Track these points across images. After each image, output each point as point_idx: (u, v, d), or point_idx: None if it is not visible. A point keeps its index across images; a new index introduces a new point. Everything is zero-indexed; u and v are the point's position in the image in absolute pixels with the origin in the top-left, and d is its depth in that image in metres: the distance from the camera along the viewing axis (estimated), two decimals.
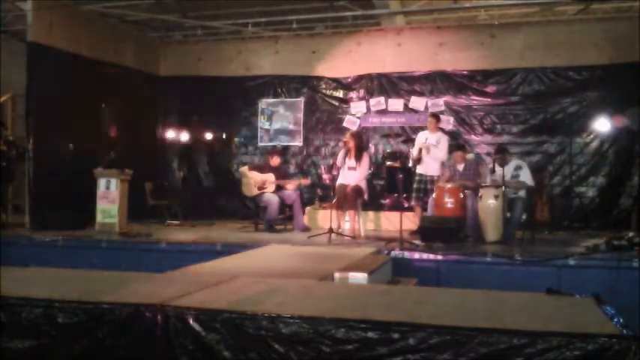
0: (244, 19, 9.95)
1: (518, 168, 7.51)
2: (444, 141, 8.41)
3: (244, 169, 8.84)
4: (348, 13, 9.57)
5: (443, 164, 8.18)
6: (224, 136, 11.19)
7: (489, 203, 7.07)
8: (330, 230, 7.36)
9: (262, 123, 11.16)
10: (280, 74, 11.06)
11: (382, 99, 10.46)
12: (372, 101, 10.52)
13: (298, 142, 10.98)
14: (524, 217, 7.46)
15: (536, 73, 9.80)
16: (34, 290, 3.34)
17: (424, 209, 8.13)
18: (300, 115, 10.98)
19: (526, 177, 7.44)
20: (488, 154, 9.69)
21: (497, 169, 7.21)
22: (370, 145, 10.49)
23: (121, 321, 2.93)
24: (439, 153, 8.25)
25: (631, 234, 6.59)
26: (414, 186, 8.35)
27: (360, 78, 10.68)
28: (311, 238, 7.50)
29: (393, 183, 8.77)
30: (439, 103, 10.18)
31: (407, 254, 6.33)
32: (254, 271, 4.45)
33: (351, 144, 8.01)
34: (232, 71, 11.27)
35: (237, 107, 11.25)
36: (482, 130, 10.01)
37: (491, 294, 3.66)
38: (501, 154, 7.49)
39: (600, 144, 9.52)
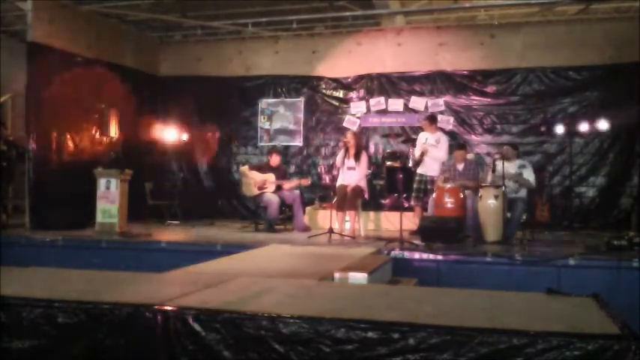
0: (244, 19, 9.94)
1: (522, 167, 7.51)
2: (444, 141, 8.40)
3: (244, 169, 8.84)
4: (348, 13, 9.57)
5: (443, 164, 8.18)
6: (224, 136, 11.19)
7: (489, 203, 7.07)
8: (330, 230, 7.36)
9: (262, 123, 11.16)
10: (280, 74, 11.06)
11: (382, 99, 10.46)
12: (372, 101, 10.52)
13: (298, 142, 10.98)
14: (524, 217, 7.46)
15: (536, 73, 9.81)
16: (34, 290, 3.34)
17: (424, 209, 8.13)
18: (300, 115, 10.98)
19: (529, 177, 7.44)
20: (488, 154, 9.70)
21: (498, 164, 7.17)
22: (370, 145, 10.50)
23: (120, 321, 2.92)
24: (439, 153, 8.24)
25: (631, 234, 6.60)
26: (414, 186, 8.33)
27: (360, 78, 10.68)
28: (311, 238, 7.50)
29: (393, 183, 8.75)
30: (439, 103, 10.18)
31: (407, 254, 6.33)
32: (254, 271, 4.45)
33: (350, 144, 8.01)
34: (232, 71, 11.27)
35: (237, 107, 11.26)
36: (482, 130, 10.01)
37: (492, 294, 3.66)
38: (509, 148, 7.50)
39: (600, 144, 9.52)
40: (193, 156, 11.25)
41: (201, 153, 11.23)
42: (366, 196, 8.18)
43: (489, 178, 7.46)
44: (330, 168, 10.37)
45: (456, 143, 8.53)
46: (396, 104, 10.40)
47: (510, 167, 7.31)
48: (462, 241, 7.09)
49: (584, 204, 9.47)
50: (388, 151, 10.09)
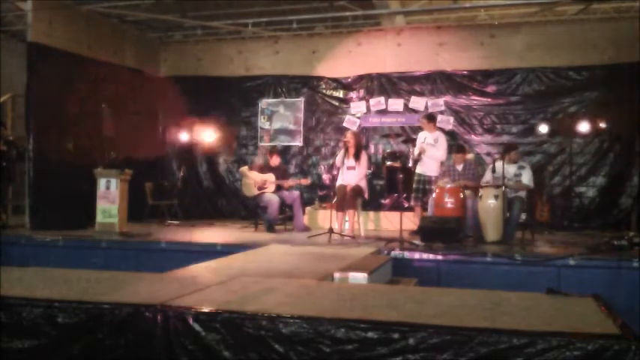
0: (244, 19, 9.94)
1: (521, 168, 7.52)
2: (443, 140, 8.39)
3: (244, 169, 8.84)
4: (348, 13, 9.56)
5: (442, 164, 8.17)
6: (224, 137, 11.18)
7: (489, 203, 7.07)
8: (330, 230, 7.36)
9: (262, 123, 11.16)
10: (280, 74, 11.06)
11: (382, 99, 10.46)
12: (372, 101, 10.51)
13: (298, 142, 10.98)
14: (523, 216, 7.47)
15: (536, 73, 9.80)
16: (34, 290, 3.34)
17: (424, 209, 8.13)
18: (300, 115, 10.98)
19: (527, 178, 7.44)
20: (488, 154, 9.70)
21: (498, 166, 7.17)
22: (370, 145, 10.50)
23: (121, 321, 2.93)
24: (437, 152, 8.24)
25: (631, 234, 6.60)
26: (413, 186, 8.34)
27: (360, 78, 10.67)
28: (311, 238, 7.50)
29: (393, 183, 8.75)
30: (439, 103, 10.18)
31: (407, 254, 6.33)
32: (254, 271, 4.46)
33: (350, 143, 8.01)
34: (232, 71, 11.27)
35: (237, 107, 11.25)
36: (482, 130, 10.00)
37: (491, 294, 3.66)
38: (512, 150, 7.51)
39: (600, 144, 9.52)
40: (193, 156, 11.24)
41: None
42: (366, 195, 8.18)
43: (489, 178, 7.47)
44: (330, 168, 10.36)
45: (455, 145, 8.53)
46: (396, 104, 10.40)
47: (510, 167, 7.31)
48: (461, 241, 7.09)
49: (584, 204, 9.47)
50: (388, 151, 10.07)
